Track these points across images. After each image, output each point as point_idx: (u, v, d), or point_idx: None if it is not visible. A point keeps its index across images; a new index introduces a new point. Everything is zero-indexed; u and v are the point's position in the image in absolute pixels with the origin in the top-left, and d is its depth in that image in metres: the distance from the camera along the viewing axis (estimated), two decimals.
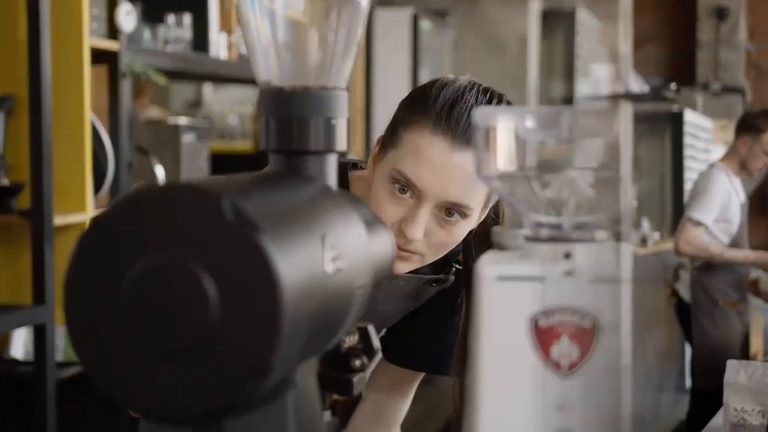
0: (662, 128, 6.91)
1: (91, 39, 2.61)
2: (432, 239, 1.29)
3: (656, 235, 6.12)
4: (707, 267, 4.53)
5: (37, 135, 2.41)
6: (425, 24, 5.29)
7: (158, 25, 3.10)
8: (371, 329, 0.94)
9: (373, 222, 0.91)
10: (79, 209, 2.57)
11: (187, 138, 3.16)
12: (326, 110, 0.84)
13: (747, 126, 4.48)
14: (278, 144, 0.84)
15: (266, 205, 0.68)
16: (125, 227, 0.65)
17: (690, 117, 7.07)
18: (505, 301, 0.72)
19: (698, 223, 4.35)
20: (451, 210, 1.28)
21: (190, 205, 0.64)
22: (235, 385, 0.64)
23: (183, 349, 0.64)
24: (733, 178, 4.49)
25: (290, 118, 0.84)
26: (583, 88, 5.56)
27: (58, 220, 2.48)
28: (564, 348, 0.71)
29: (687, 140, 6.99)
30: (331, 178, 0.86)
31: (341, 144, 0.86)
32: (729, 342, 4.49)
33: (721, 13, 9.47)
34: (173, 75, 3.33)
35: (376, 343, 0.94)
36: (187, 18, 3.13)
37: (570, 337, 0.71)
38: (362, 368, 0.91)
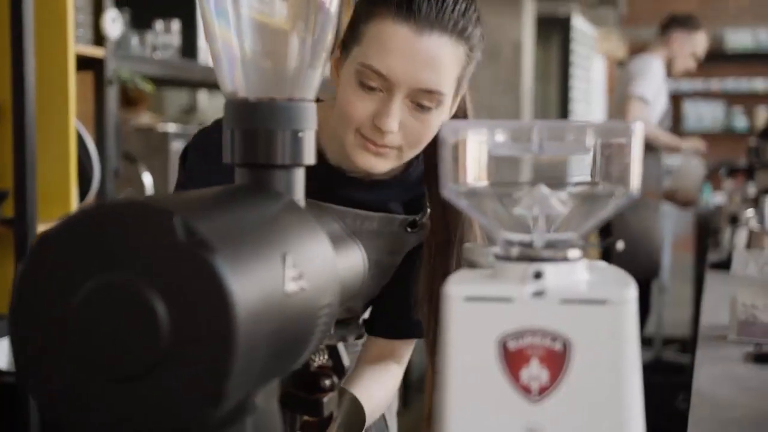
0: (551, 32, 7.02)
1: (77, 46, 2.58)
2: (407, 131, 1.26)
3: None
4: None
5: (21, 142, 2.38)
6: None
7: (146, 31, 3.07)
8: (341, 347, 0.91)
9: (341, 238, 0.88)
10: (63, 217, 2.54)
11: (177, 145, 3.13)
12: (293, 122, 0.82)
13: (682, 23, 4.55)
14: (243, 157, 0.82)
15: (223, 223, 0.65)
16: (74, 245, 0.62)
17: (578, 23, 7.14)
18: (474, 322, 0.69)
19: (642, 99, 4.37)
20: (423, 100, 1.24)
21: (141, 224, 0.61)
22: (188, 411, 0.61)
23: (133, 374, 0.61)
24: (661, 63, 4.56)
25: (256, 130, 0.81)
26: None
27: (43, 228, 2.45)
28: (534, 371, 0.68)
29: (573, 46, 7.08)
30: (299, 192, 0.83)
31: (309, 157, 0.83)
32: (651, 234, 4.50)
33: None
34: (162, 82, 3.30)
35: (347, 361, 0.92)
36: (176, 24, 3.11)
37: (540, 361, 0.68)
38: (332, 388, 0.88)
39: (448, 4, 1.22)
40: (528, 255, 0.71)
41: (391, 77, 1.22)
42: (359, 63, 1.24)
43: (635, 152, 0.70)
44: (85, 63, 2.67)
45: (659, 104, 4.51)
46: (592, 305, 0.67)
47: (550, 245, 0.71)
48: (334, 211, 1.34)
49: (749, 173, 4.58)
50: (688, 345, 5.34)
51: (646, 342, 5.65)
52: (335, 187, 1.37)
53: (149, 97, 4.21)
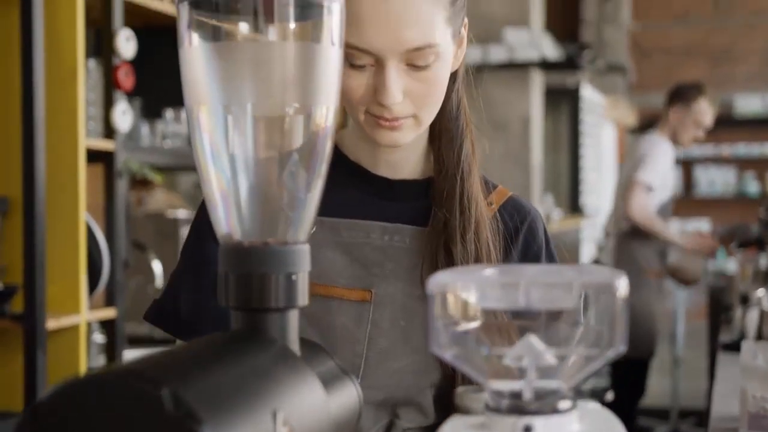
0: (559, 102, 7.06)
1: (88, 139, 2.62)
2: (414, 96, 1.16)
3: (558, 213, 6.18)
4: (635, 233, 4.48)
5: (31, 238, 2.40)
6: None
7: (156, 120, 3.12)
8: None
9: (336, 376, 0.88)
10: (73, 311, 2.55)
11: (186, 232, 3.15)
12: (287, 266, 0.83)
13: (678, 96, 4.57)
14: (237, 301, 0.82)
15: (212, 386, 0.66)
16: (62, 417, 0.63)
17: (586, 92, 7.20)
18: None
19: (648, 187, 4.35)
20: (416, 60, 1.14)
21: (129, 396, 0.62)
22: None
23: None
24: (669, 145, 4.58)
25: (250, 275, 0.82)
26: (495, 53, 5.52)
27: (52, 323, 2.46)
28: None
29: (582, 116, 7.13)
30: (292, 334, 0.84)
31: (303, 299, 0.84)
32: (650, 314, 4.44)
33: None
34: (172, 168, 3.34)
35: None
36: (185, 113, 3.15)
37: None
38: None
39: None
40: (518, 407, 0.71)
41: (373, 49, 1.12)
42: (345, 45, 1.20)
43: (620, 306, 0.70)
44: (95, 156, 2.71)
45: (666, 188, 4.52)
46: None
47: (540, 396, 0.72)
48: (356, 227, 1.25)
49: (761, 244, 4.57)
50: (705, 418, 5.28)
51: (662, 415, 5.59)
52: (360, 191, 1.28)
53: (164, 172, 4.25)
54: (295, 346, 0.83)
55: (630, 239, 4.51)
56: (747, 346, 1.92)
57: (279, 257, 0.82)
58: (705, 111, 4.57)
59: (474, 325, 0.74)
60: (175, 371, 0.65)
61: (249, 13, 0.83)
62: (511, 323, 0.74)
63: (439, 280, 0.72)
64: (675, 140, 4.58)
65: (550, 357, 0.72)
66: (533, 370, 0.72)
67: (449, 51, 1.18)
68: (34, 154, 2.42)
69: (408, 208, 1.28)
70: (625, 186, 4.47)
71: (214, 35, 0.83)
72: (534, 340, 0.72)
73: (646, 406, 6.16)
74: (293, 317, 0.83)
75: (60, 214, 2.53)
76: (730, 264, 7.42)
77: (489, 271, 0.75)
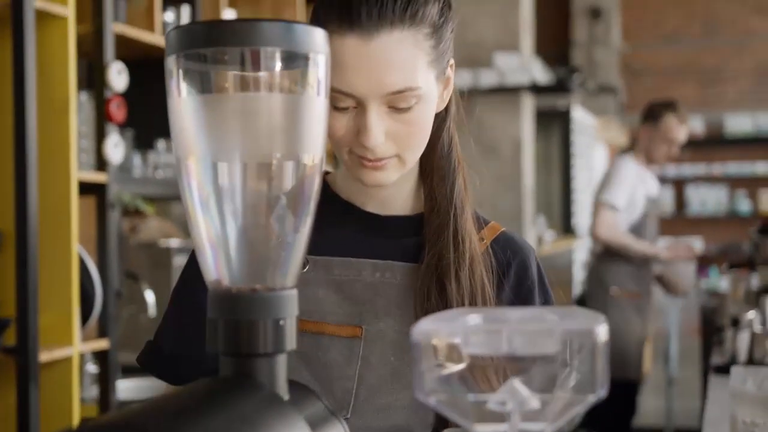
0: (550, 124, 7.10)
1: (80, 172, 2.63)
2: (397, 137, 1.17)
3: (551, 234, 6.20)
4: (606, 255, 4.48)
5: (23, 271, 2.41)
6: None
7: (149, 151, 3.13)
8: None
9: (324, 418, 0.89)
10: (66, 343, 2.56)
11: (180, 260, 3.16)
12: (274, 312, 0.84)
13: (647, 116, 4.62)
14: (226, 347, 0.84)
15: None
16: None
17: (577, 114, 7.25)
18: None
19: (612, 207, 4.37)
20: (398, 103, 1.15)
21: None
22: None
23: None
24: (642, 168, 4.56)
25: (238, 321, 0.83)
26: (486, 77, 5.54)
27: (45, 356, 2.46)
28: None
29: (574, 137, 7.17)
30: (281, 378, 0.85)
31: (291, 343, 0.85)
32: (623, 337, 4.40)
33: (594, 13, 9.69)
34: (165, 198, 3.35)
35: None
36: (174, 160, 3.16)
37: None
38: None
39: None
40: None
41: (355, 92, 1.14)
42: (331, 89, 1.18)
43: (600, 351, 0.72)
44: (87, 188, 2.72)
45: (636, 207, 4.51)
46: None
47: None
48: (348, 265, 1.26)
49: (752, 264, 4.58)
50: None
51: None
52: (352, 228, 1.29)
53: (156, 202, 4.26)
54: (283, 390, 0.85)
55: (602, 261, 4.51)
56: (736, 371, 1.93)
57: (267, 303, 0.84)
58: (673, 127, 4.56)
59: (458, 369, 0.75)
60: (162, 420, 0.66)
61: (236, 64, 0.85)
62: (496, 368, 0.75)
63: (424, 327, 0.74)
64: (649, 159, 4.60)
65: (534, 401, 0.73)
66: (517, 414, 0.73)
67: (433, 92, 1.20)
68: (26, 187, 2.43)
69: (399, 244, 1.29)
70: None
71: (202, 87, 0.85)
72: (518, 385, 0.74)
73: (641, 425, 6.16)
74: (281, 362, 0.85)
75: (53, 246, 2.54)
76: (723, 282, 7.44)
77: (473, 318, 0.77)
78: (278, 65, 0.83)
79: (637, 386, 4.63)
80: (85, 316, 2.66)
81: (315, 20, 1.19)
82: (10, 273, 2.47)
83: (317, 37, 0.84)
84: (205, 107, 0.84)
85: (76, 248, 2.58)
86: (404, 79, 1.14)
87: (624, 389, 4.52)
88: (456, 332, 0.74)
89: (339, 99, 1.16)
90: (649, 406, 6.74)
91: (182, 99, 0.84)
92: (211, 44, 0.82)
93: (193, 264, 1.31)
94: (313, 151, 0.86)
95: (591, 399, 0.73)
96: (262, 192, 0.86)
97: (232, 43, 0.82)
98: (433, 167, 1.30)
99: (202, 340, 1.06)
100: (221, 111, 0.84)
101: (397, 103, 1.15)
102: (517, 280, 1.31)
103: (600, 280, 4.50)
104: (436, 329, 0.74)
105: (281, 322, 0.84)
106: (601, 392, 0.73)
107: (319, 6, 1.18)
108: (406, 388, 1.23)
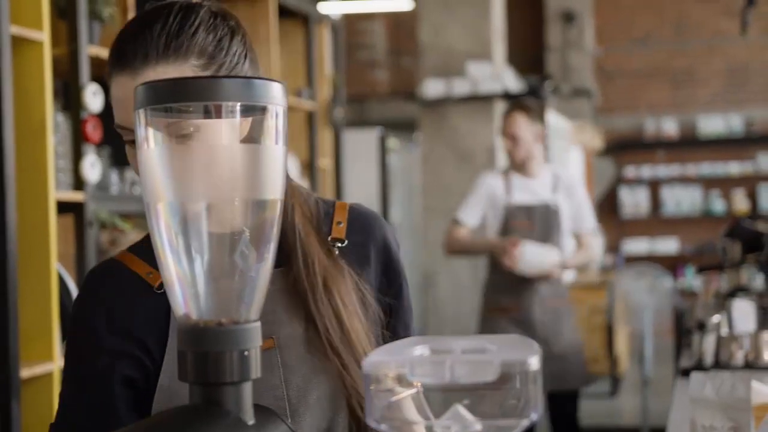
0: None
1: (57, 192, 2.69)
2: None
3: None
4: (487, 277, 4.30)
5: (3, 289, 2.47)
6: (393, 142, 5.42)
7: (125, 168, 3.19)
8: None
9: None
10: (46, 359, 2.61)
11: None
12: (240, 343, 0.91)
13: None
14: (195, 377, 0.91)
15: None
16: None
17: (551, 119, 7.35)
18: None
19: (455, 221, 4.22)
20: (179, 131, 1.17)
21: None
22: None
23: None
24: (498, 178, 4.28)
25: (206, 352, 0.90)
26: (459, 86, 5.51)
27: (25, 372, 2.52)
28: None
29: (548, 142, 7.26)
30: (247, 405, 0.92)
31: (256, 372, 0.92)
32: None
33: (567, 17, 9.81)
34: (142, 215, 3.41)
35: None
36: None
37: None
38: None
39: (154, 36, 1.22)
40: None
41: (129, 125, 1.24)
42: (114, 127, 1.27)
43: (532, 380, 0.79)
44: (65, 207, 2.78)
45: (494, 216, 4.26)
46: None
47: None
48: None
49: (721, 268, 4.65)
50: None
51: None
52: None
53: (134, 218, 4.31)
54: (249, 415, 0.92)
55: (485, 284, 4.36)
56: (696, 377, 2.00)
57: (232, 336, 0.91)
58: (504, 121, 4.27)
59: (405, 396, 0.83)
60: None
61: (200, 116, 0.92)
62: (439, 394, 0.82)
63: (374, 359, 0.81)
64: (513, 166, 4.32)
65: (476, 425, 0.81)
66: None
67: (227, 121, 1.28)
68: (5, 207, 2.48)
69: None
70: None
71: (168, 138, 0.92)
72: (461, 410, 0.81)
73: (617, 425, 6.26)
74: (247, 389, 0.92)
75: (31, 265, 2.60)
76: (697, 282, 7.55)
77: (419, 350, 0.84)
78: (238, 117, 0.90)
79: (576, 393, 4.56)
80: (65, 333, 2.72)
81: (106, 69, 1.28)
82: None
83: (274, 91, 0.91)
84: (171, 156, 0.91)
85: (55, 266, 2.64)
86: None
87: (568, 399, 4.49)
88: (403, 363, 0.81)
89: (125, 133, 1.25)
90: (625, 405, 6.84)
91: (150, 149, 0.90)
92: (175, 100, 0.89)
93: (83, 333, 1.31)
94: (273, 192, 0.93)
95: (524, 423, 0.80)
96: (226, 231, 0.93)
97: (195, 98, 0.89)
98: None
99: (108, 410, 1.10)
100: (186, 159, 0.92)
101: (177, 133, 1.11)
102: (382, 250, 1.39)
103: (481, 301, 4.33)
104: (385, 361, 0.81)
105: (246, 353, 0.91)
106: (534, 416, 0.80)
107: (108, 57, 1.27)
108: (328, 374, 1.30)
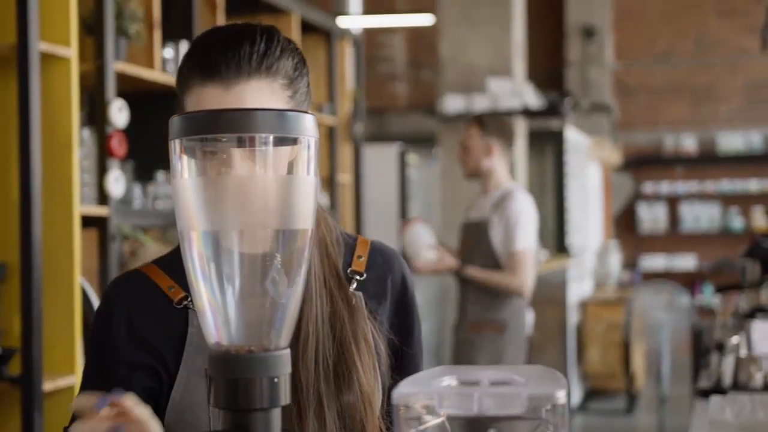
0: (544, 145, 7.17)
1: (82, 206, 2.72)
2: None
3: (545, 254, 6.23)
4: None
5: (28, 302, 2.50)
6: (412, 158, 5.43)
7: (149, 182, 3.22)
8: None
9: None
10: (68, 372, 2.64)
11: None
12: (270, 370, 0.93)
13: None
14: (226, 403, 0.92)
15: None
16: None
17: (570, 134, 7.34)
18: None
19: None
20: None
21: None
22: None
23: None
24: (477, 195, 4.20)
25: (236, 379, 0.92)
26: (479, 102, 5.49)
27: (48, 385, 2.55)
28: None
29: (567, 157, 7.25)
30: (275, 430, 0.93)
31: (285, 398, 0.94)
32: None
33: (588, 33, 9.78)
34: (164, 227, 3.44)
35: None
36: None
37: None
38: None
39: (245, 51, 1.23)
40: None
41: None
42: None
43: (560, 412, 0.80)
44: (89, 221, 2.81)
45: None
46: None
47: None
48: None
49: (740, 287, 4.62)
50: None
51: None
52: None
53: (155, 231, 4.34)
54: None
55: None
56: (715, 400, 2.00)
57: (263, 363, 0.93)
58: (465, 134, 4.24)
59: (433, 426, 0.84)
60: None
61: (233, 148, 0.94)
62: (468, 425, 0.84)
63: (402, 391, 0.82)
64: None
65: None
66: None
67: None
68: (31, 222, 2.51)
69: None
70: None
71: (203, 169, 0.94)
72: None
73: None
74: (276, 415, 0.94)
75: (56, 278, 2.62)
76: (716, 299, 7.51)
77: (446, 380, 0.85)
78: (271, 149, 0.92)
79: None
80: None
81: (181, 76, 1.28)
82: (15, 304, 2.55)
83: (307, 122, 0.93)
84: (205, 186, 0.93)
85: (79, 280, 2.67)
86: None
87: None
88: (432, 395, 0.82)
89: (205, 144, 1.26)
90: (641, 423, 6.82)
91: (184, 179, 0.92)
92: (209, 131, 0.91)
93: (103, 336, 1.32)
94: (304, 222, 0.95)
95: None
96: (257, 260, 0.95)
97: (230, 129, 0.91)
98: None
99: None
100: (220, 190, 0.93)
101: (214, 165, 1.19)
102: (399, 288, 1.40)
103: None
104: (414, 393, 0.83)
105: (275, 380, 0.93)
106: None
107: (183, 64, 1.28)
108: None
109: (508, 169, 4.25)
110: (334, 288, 1.33)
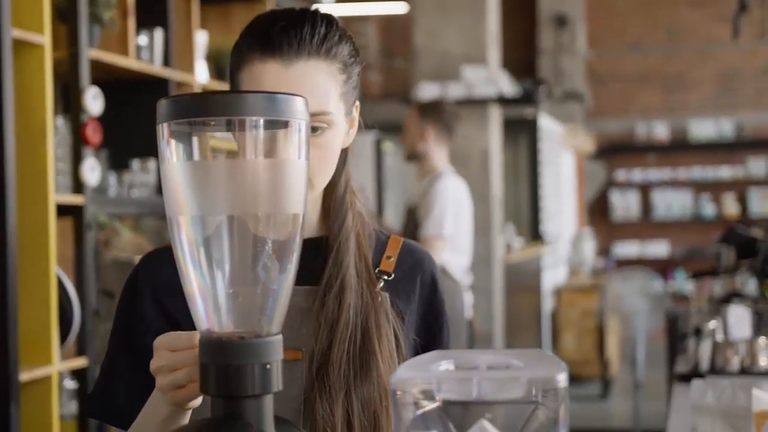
0: (518, 133, 7.21)
1: (57, 195, 2.69)
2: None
3: (520, 242, 6.25)
4: None
5: (3, 292, 2.46)
6: (388, 146, 5.41)
7: (124, 171, 3.19)
8: None
9: None
10: (45, 362, 2.61)
11: None
12: (261, 357, 0.91)
13: None
14: (217, 390, 0.91)
15: None
16: None
17: (544, 123, 7.39)
18: None
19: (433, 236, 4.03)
20: (313, 123, 1.22)
21: None
22: None
23: None
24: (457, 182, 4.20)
25: (228, 365, 0.91)
26: (454, 89, 5.51)
27: (24, 375, 2.52)
28: None
29: (541, 145, 7.29)
30: (268, 417, 0.92)
31: (277, 385, 0.93)
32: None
33: (560, 21, 9.83)
34: (139, 217, 3.41)
35: None
36: (152, 163, 3.22)
37: None
38: None
39: (306, 32, 1.26)
40: None
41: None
42: None
43: (561, 396, 0.79)
44: (64, 209, 2.77)
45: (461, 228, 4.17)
46: None
47: None
48: None
49: (715, 272, 4.65)
50: None
51: None
52: None
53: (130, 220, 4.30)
54: (270, 427, 0.92)
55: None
56: (696, 384, 2.00)
57: (254, 349, 0.91)
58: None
59: (431, 410, 0.83)
60: None
61: (222, 132, 0.92)
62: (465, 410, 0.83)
63: (400, 376, 0.81)
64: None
65: None
66: None
67: (342, 124, 1.30)
68: (5, 211, 2.48)
69: (305, 268, 1.35)
70: None
71: (191, 153, 0.92)
72: (486, 425, 0.82)
73: (609, 428, 6.28)
74: (268, 402, 0.92)
75: (31, 268, 2.59)
76: (689, 285, 7.56)
77: (444, 365, 0.84)
78: (261, 132, 0.90)
79: None
80: (64, 335, 2.71)
81: (238, 51, 1.29)
82: None
83: (297, 105, 0.92)
84: (193, 171, 0.92)
85: (54, 269, 2.64)
86: (318, 103, 1.24)
87: None
88: (430, 380, 0.81)
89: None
90: (616, 408, 6.86)
91: (173, 163, 0.91)
92: (198, 114, 0.89)
93: (131, 305, 1.35)
94: (295, 206, 0.94)
95: None
96: (248, 245, 0.93)
97: (219, 113, 0.89)
98: (330, 206, 1.36)
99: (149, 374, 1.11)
100: (209, 174, 0.92)
101: (311, 129, 1.19)
102: (428, 289, 1.40)
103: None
104: (412, 378, 0.82)
105: (268, 366, 0.91)
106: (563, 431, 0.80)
107: (241, 40, 1.29)
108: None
109: (447, 155, 4.25)
110: (364, 281, 1.33)
